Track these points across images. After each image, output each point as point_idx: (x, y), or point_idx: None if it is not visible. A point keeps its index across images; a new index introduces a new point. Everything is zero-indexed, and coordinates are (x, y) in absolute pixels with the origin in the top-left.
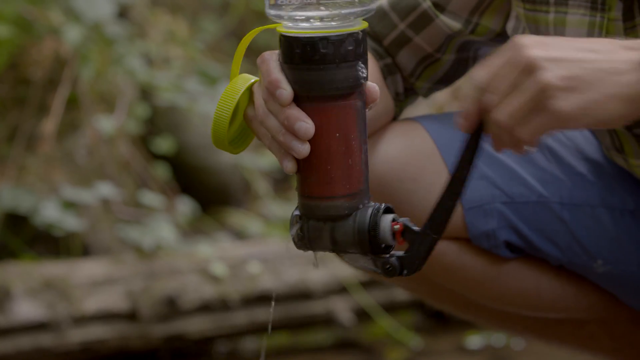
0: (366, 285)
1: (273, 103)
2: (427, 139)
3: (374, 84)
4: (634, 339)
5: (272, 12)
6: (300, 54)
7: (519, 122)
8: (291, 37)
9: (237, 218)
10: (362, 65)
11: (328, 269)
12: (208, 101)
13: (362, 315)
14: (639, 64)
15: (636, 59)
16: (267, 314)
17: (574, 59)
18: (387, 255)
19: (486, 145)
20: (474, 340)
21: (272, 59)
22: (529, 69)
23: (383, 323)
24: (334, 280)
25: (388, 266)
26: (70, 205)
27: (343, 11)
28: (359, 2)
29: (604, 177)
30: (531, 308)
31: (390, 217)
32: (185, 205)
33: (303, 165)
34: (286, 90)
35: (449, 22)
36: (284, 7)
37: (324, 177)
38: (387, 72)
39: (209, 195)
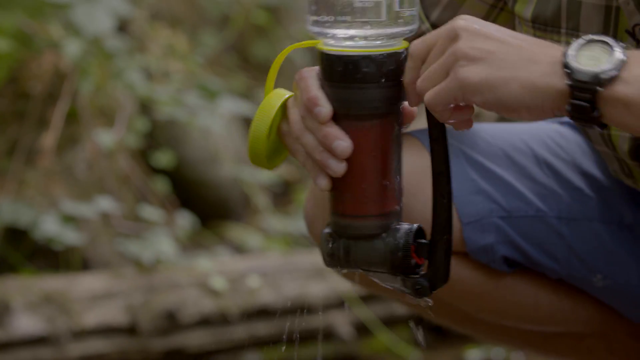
0: (365, 299)
1: (311, 120)
2: (425, 154)
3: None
4: (633, 353)
5: (314, 28)
6: (342, 73)
7: (427, 83)
8: (332, 54)
9: (237, 232)
10: (401, 85)
11: (327, 282)
12: (208, 115)
13: (362, 329)
14: (559, 60)
15: (557, 55)
16: (267, 328)
17: (497, 37)
18: (417, 276)
19: (481, 160)
20: (474, 354)
21: (310, 75)
22: (452, 36)
23: (382, 337)
24: (333, 294)
25: (418, 286)
26: (69, 220)
27: (387, 31)
28: (403, 22)
29: (601, 191)
30: (529, 322)
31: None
32: (184, 219)
33: (337, 183)
34: (325, 108)
35: None
36: (326, 23)
37: (358, 196)
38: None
39: (209, 209)
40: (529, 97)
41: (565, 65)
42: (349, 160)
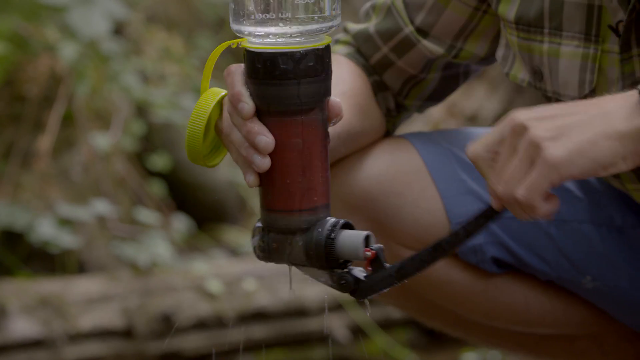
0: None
1: (236, 116)
2: (415, 155)
3: (337, 100)
4: (625, 355)
5: (234, 27)
6: (261, 69)
7: (515, 183)
8: (253, 52)
9: (233, 235)
10: (324, 81)
11: (323, 286)
12: None
13: (358, 332)
14: (627, 103)
15: (623, 99)
16: (263, 331)
17: (560, 111)
18: (344, 270)
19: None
20: (470, 357)
21: (237, 71)
22: (519, 130)
23: (378, 340)
24: (329, 297)
25: (343, 281)
26: (65, 223)
27: (303, 28)
28: (319, 18)
29: (591, 193)
30: (520, 323)
31: (363, 234)
32: (180, 222)
33: (264, 178)
34: (247, 104)
35: (432, 47)
36: (244, 21)
37: (283, 191)
38: (377, 88)
39: (205, 212)
40: (621, 147)
41: None
42: (273, 155)
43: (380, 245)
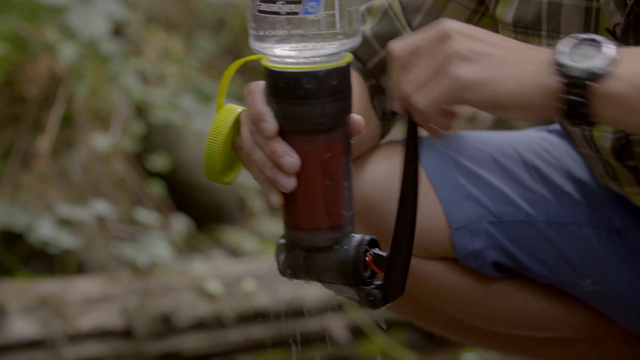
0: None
1: (258, 135)
2: None
3: (359, 116)
4: (624, 357)
5: (257, 45)
6: (284, 89)
7: (418, 90)
8: (275, 71)
9: (232, 235)
10: (347, 99)
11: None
12: (203, 119)
13: (357, 332)
14: (549, 60)
15: (547, 56)
16: (262, 331)
17: (488, 39)
18: (370, 287)
19: (470, 165)
20: (469, 358)
21: (257, 90)
22: (442, 37)
23: (378, 340)
24: (329, 298)
25: (371, 298)
26: (65, 223)
27: (327, 46)
28: (343, 36)
29: (590, 196)
30: (520, 327)
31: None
32: (180, 223)
33: (288, 196)
34: (270, 124)
35: None
36: (267, 40)
37: (308, 210)
38: (374, 92)
39: (204, 212)
40: (524, 95)
41: (558, 63)
42: (298, 174)
43: (369, 236)
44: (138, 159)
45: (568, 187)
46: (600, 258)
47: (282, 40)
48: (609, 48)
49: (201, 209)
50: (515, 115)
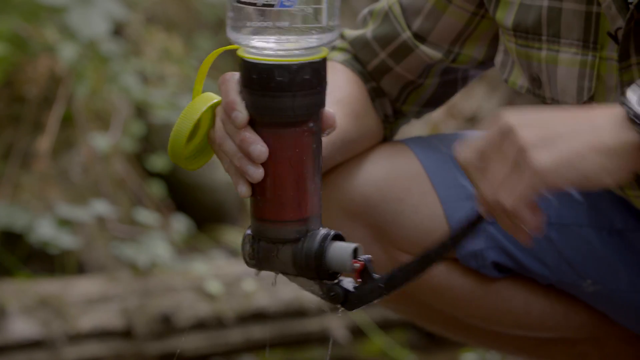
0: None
1: (230, 125)
2: (414, 160)
3: (331, 111)
4: (626, 358)
5: (232, 35)
6: (257, 80)
7: (501, 190)
8: (249, 62)
9: (232, 235)
10: (319, 93)
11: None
12: None
13: (357, 332)
14: (621, 116)
15: (611, 113)
16: (262, 331)
17: (549, 118)
18: (334, 282)
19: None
20: (469, 358)
21: (231, 80)
22: (505, 133)
23: (378, 340)
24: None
25: (332, 293)
26: (65, 223)
27: (301, 40)
28: (320, 31)
29: (591, 196)
30: (521, 327)
31: (352, 246)
32: (180, 223)
33: (256, 188)
34: (241, 113)
35: (430, 52)
36: (242, 31)
37: (275, 201)
38: (374, 94)
39: (204, 212)
40: (608, 162)
41: (635, 115)
42: (266, 166)
43: (369, 256)
44: (138, 159)
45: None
46: (601, 258)
47: (258, 31)
48: None
49: (201, 209)
50: (606, 183)
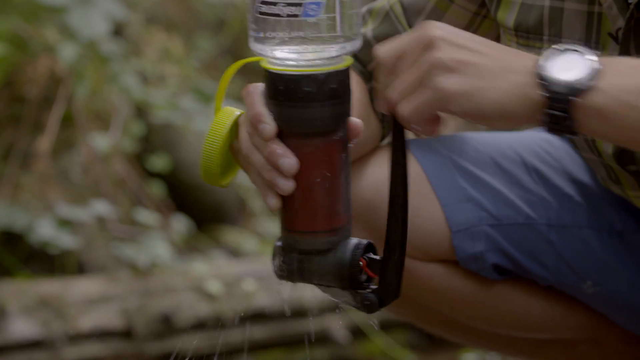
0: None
1: (257, 137)
2: (414, 163)
3: (358, 119)
4: (625, 359)
5: (257, 47)
6: (283, 91)
7: (403, 97)
8: (275, 73)
9: (232, 236)
10: (346, 102)
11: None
12: (203, 119)
13: (357, 332)
14: (533, 72)
15: (530, 64)
16: (262, 331)
17: (473, 47)
18: (366, 291)
19: (470, 167)
20: (469, 358)
21: (256, 92)
22: (427, 45)
23: (378, 341)
24: (329, 298)
25: (367, 302)
26: (65, 223)
27: (329, 49)
28: (343, 39)
29: (591, 198)
30: (521, 329)
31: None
32: (180, 223)
33: (285, 199)
34: (269, 125)
35: None
36: (267, 42)
37: (305, 213)
38: (374, 94)
39: (204, 213)
40: (506, 106)
41: (540, 77)
42: (296, 177)
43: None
44: (138, 159)
45: (568, 188)
46: (600, 260)
47: (282, 42)
48: (592, 60)
49: (201, 210)
50: (498, 125)
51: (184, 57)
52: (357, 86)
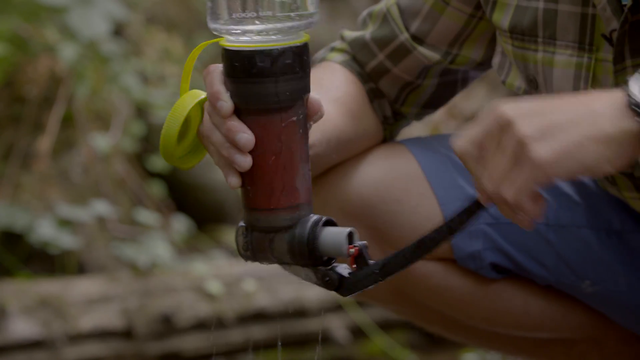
0: (361, 302)
1: (216, 116)
2: (412, 161)
3: (317, 97)
4: (625, 358)
5: (212, 25)
6: (239, 68)
7: (502, 183)
8: (230, 50)
9: (233, 236)
10: (303, 78)
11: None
12: None
13: (358, 332)
14: (621, 104)
15: (611, 100)
16: (263, 331)
17: (547, 107)
18: (328, 268)
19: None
20: (469, 358)
21: (215, 71)
22: (503, 125)
23: (378, 341)
24: (329, 298)
25: (327, 278)
26: (65, 223)
27: (279, 25)
28: (296, 16)
29: (590, 198)
30: (520, 328)
31: (346, 231)
32: (180, 223)
33: (245, 177)
34: (226, 103)
35: (428, 54)
36: (221, 20)
37: (265, 190)
38: (373, 95)
39: (205, 213)
40: (608, 150)
41: (635, 104)
42: (253, 154)
43: (364, 242)
44: (138, 159)
45: (567, 188)
46: (599, 259)
47: (238, 20)
48: None
49: (201, 210)
50: (607, 171)
51: (184, 57)
52: (352, 85)
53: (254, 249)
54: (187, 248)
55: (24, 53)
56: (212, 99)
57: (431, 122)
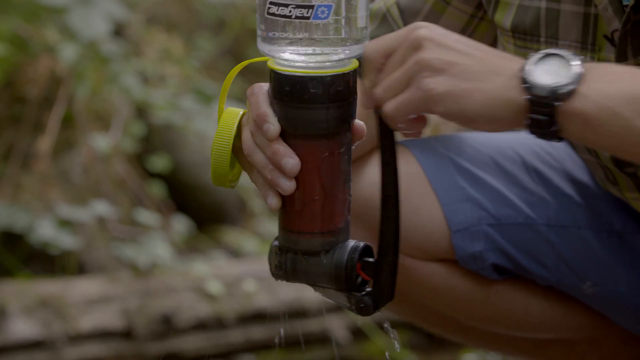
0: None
1: (260, 137)
2: (413, 162)
3: (360, 122)
4: (625, 358)
5: (265, 47)
6: (290, 92)
7: (388, 94)
8: (281, 74)
9: (233, 236)
10: (351, 105)
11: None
12: (203, 119)
13: (358, 333)
14: (518, 74)
15: (516, 67)
16: (262, 332)
17: (460, 48)
18: (361, 294)
19: (470, 167)
20: (470, 358)
21: (261, 92)
22: (415, 45)
23: (379, 341)
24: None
25: (362, 304)
26: (65, 224)
27: (335, 51)
28: (351, 42)
29: (591, 198)
30: (520, 329)
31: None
32: (180, 224)
33: (286, 199)
34: (273, 125)
35: None
36: (276, 42)
37: (305, 213)
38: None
39: (205, 213)
40: (490, 109)
41: (524, 80)
42: (297, 178)
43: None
44: (138, 160)
45: (568, 189)
46: (600, 260)
47: (291, 43)
48: (576, 64)
49: (201, 210)
50: (482, 128)
51: (185, 58)
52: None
53: (287, 269)
54: (187, 248)
55: (24, 53)
56: (258, 120)
57: (431, 122)
